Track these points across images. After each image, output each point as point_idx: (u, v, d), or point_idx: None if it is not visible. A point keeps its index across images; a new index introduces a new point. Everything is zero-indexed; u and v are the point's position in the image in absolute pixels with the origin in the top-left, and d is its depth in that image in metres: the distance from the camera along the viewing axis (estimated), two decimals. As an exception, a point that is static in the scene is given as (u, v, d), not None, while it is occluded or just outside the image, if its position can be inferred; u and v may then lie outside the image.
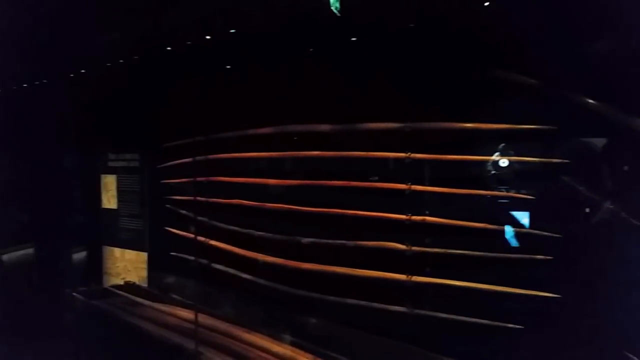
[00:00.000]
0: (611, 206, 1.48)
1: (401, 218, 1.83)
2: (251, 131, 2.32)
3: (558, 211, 1.55)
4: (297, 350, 1.82)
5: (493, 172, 1.67)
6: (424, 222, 1.79)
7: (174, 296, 2.62)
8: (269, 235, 2.20)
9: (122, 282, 3.10)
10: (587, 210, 1.51)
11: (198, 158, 2.57)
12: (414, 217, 1.81)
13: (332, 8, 1.82)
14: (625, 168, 1.47)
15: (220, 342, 1.92)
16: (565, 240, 1.53)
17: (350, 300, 1.94)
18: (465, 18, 1.70)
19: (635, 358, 1.41)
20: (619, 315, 1.47)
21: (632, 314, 1.44)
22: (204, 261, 2.48)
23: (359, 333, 1.90)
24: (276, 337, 1.95)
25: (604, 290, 1.51)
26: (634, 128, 1.43)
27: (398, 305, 1.82)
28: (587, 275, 1.52)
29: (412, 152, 1.81)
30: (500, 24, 1.64)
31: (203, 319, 2.17)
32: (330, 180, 2.02)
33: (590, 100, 1.50)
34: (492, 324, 1.62)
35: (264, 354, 1.82)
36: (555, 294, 1.53)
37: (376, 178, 1.91)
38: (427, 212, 1.80)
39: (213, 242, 2.45)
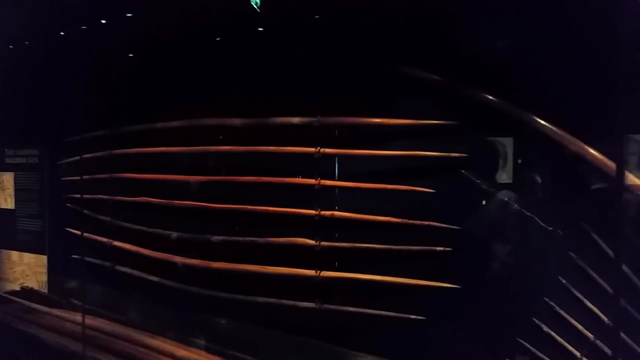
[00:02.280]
0: (507, 199, 1.56)
1: (311, 213, 1.83)
2: (159, 124, 2.21)
3: (457, 204, 1.62)
4: (203, 353, 1.75)
5: (397, 166, 1.71)
6: (332, 217, 1.80)
7: (75, 302, 2.44)
8: (177, 234, 2.11)
9: (19, 288, 2.86)
10: (484, 202, 1.58)
11: (102, 153, 2.42)
12: (323, 212, 1.82)
13: (252, 3, 1.79)
14: (519, 161, 1.55)
15: (121, 349, 1.81)
16: (464, 232, 1.60)
17: (260, 299, 1.91)
18: (373, 14, 1.73)
19: (526, 344, 1.50)
20: (515, 304, 1.56)
21: (528, 302, 1.53)
22: (108, 263, 2.34)
23: (269, 331, 1.86)
24: (182, 340, 1.87)
25: (501, 280, 1.60)
26: (530, 125, 1.51)
27: (307, 301, 1.82)
28: (485, 265, 1.60)
29: (322, 147, 1.82)
30: (407, 20, 1.68)
31: (105, 324, 2.03)
32: (241, 175, 1.97)
33: (490, 97, 1.57)
34: (396, 315, 1.66)
35: (167, 359, 1.73)
36: (455, 284, 1.60)
37: (299, 176, 1.89)
38: (336, 207, 1.81)
39: (117, 243, 2.32)
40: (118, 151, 2.35)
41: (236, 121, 1.99)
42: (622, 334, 1.37)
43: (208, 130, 2.05)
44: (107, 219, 2.37)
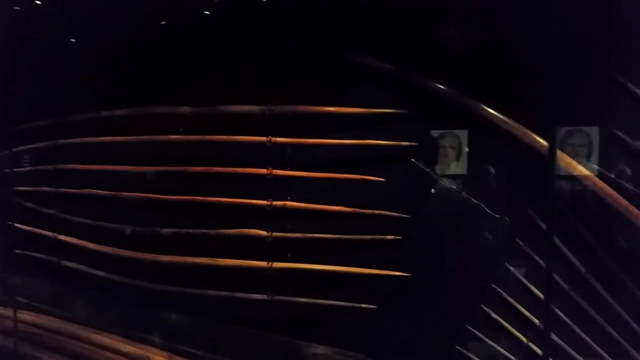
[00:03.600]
0: (456, 187, 1.57)
1: (262, 204, 1.79)
2: (104, 113, 2.12)
3: (408, 193, 1.61)
4: (151, 349, 1.70)
5: (349, 155, 1.70)
6: (284, 208, 1.77)
7: (19, 299, 2.33)
8: (125, 227, 2.03)
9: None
10: (433, 191, 1.58)
11: (45, 144, 2.29)
12: (275, 203, 1.78)
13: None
14: (466, 149, 1.56)
15: (65, 346, 1.73)
16: (414, 220, 1.61)
17: (211, 292, 1.87)
18: (325, 1, 1.70)
19: (475, 331, 1.52)
20: (464, 291, 1.57)
21: (476, 289, 1.55)
22: (53, 258, 2.24)
23: (221, 325, 1.82)
24: (131, 336, 1.80)
25: (450, 267, 1.61)
26: (478, 114, 1.52)
27: (259, 293, 1.79)
28: (434, 253, 1.61)
29: (273, 136, 1.78)
30: (359, 8, 1.65)
31: (49, 321, 1.94)
32: (190, 165, 1.91)
33: (440, 86, 1.58)
34: (348, 305, 1.66)
35: (113, 355, 1.67)
36: (406, 272, 1.61)
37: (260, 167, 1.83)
38: (288, 197, 1.78)
39: (63, 237, 2.22)
40: (62, 141, 2.24)
41: (185, 110, 1.93)
42: (565, 319, 1.42)
43: (156, 119, 1.98)
44: (52, 211, 2.26)
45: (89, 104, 2.15)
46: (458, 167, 1.58)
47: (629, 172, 1.38)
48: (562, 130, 1.44)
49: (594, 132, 1.43)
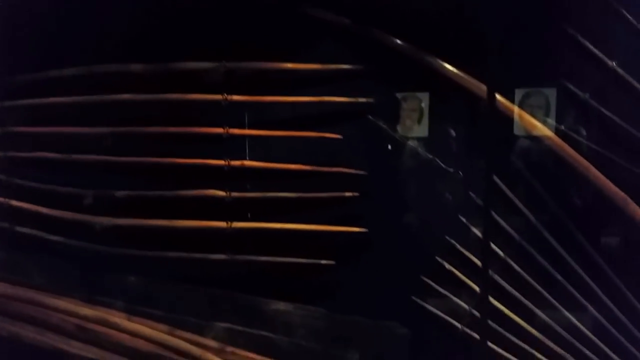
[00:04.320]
0: (412, 144, 1.57)
1: (219, 164, 1.77)
2: (53, 73, 2.02)
3: (365, 150, 1.61)
4: (109, 311, 1.69)
5: (306, 113, 1.68)
6: (242, 167, 1.75)
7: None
8: (78, 190, 1.98)
9: None
10: (390, 147, 1.59)
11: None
12: (232, 162, 1.76)
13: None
14: (423, 105, 1.55)
15: (20, 310, 1.70)
16: (371, 177, 1.61)
17: (170, 254, 1.85)
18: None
19: (431, 282, 1.56)
20: (420, 244, 1.60)
21: (430, 242, 1.58)
22: (6, 224, 2.16)
23: (181, 286, 1.81)
24: (88, 299, 1.79)
25: (407, 222, 1.64)
26: (435, 69, 1.51)
27: (219, 253, 1.78)
28: (390, 208, 1.63)
29: (229, 94, 1.74)
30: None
31: (5, 288, 1.90)
32: (143, 126, 1.86)
33: (397, 41, 1.55)
34: (306, 262, 1.67)
35: (70, 318, 1.66)
36: (363, 228, 1.62)
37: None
38: (245, 157, 1.76)
39: (15, 203, 2.14)
40: (9, 103, 2.14)
41: (136, 67, 1.86)
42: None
43: (106, 78, 1.90)
44: (2, 177, 2.17)
45: (36, 63, 2.06)
46: (419, 130, 1.58)
47: (585, 132, 1.41)
48: (520, 92, 1.46)
49: (551, 93, 1.45)
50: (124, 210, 1.90)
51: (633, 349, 1.34)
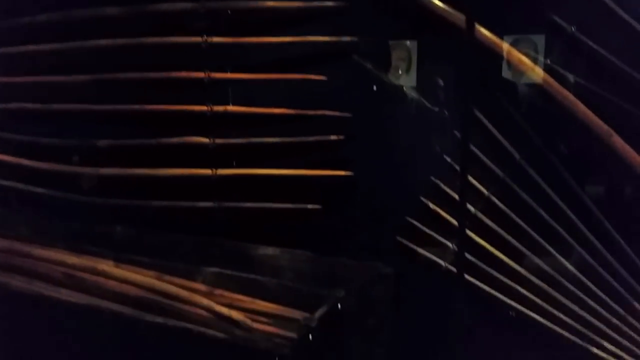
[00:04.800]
0: (397, 83, 1.54)
1: (202, 110, 1.73)
2: (26, 19, 1.93)
3: (348, 90, 1.58)
4: (97, 259, 1.69)
5: (288, 54, 1.63)
6: (225, 113, 1.71)
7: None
8: (59, 141, 1.94)
9: None
10: (375, 88, 1.56)
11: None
12: (215, 108, 1.72)
13: None
14: (408, 43, 1.52)
15: (6, 261, 1.70)
16: (356, 120, 1.59)
17: (155, 202, 1.84)
18: None
19: (415, 222, 1.57)
20: (405, 185, 1.60)
21: (416, 183, 1.58)
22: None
23: (167, 234, 1.81)
24: (75, 249, 1.78)
25: (393, 163, 1.63)
26: (424, 5, 1.47)
27: (205, 201, 1.77)
28: (376, 150, 1.61)
29: (209, 36, 1.68)
30: None
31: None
32: (123, 72, 1.80)
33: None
34: (293, 207, 1.68)
35: (58, 267, 1.66)
36: (348, 171, 1.62)
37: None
38: (229, 102, 1.72)
39: (-3, 156, 2.11)
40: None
41: (112, 11, 1.78)
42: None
43: (82, 23, 1.83)
44: (-20, 130, 2.13)
45: (8, 9, 1.98)
46: (407, 79, 1.54)
47: (573, 74, 1.38)
48: (508, 39, 1.42)
49: (539, 39, 1.41)
50: (107, 160, 1.88)
51: (616, 284, 1.37)
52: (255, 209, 1.71)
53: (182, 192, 1.78)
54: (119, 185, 1.87)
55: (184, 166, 1.77)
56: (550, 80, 1.35)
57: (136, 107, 1.79)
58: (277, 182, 1.70)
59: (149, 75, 1.76)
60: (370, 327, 1.55)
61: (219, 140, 1.72)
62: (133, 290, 1.57)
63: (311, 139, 1.62)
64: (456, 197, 1.51)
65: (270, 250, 1.71)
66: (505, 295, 1.45)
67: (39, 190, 2.01)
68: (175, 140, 1.77)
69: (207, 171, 1.74)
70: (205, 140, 1.73)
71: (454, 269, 1.49)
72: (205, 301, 1.49)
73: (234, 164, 1.74)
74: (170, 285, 1.56)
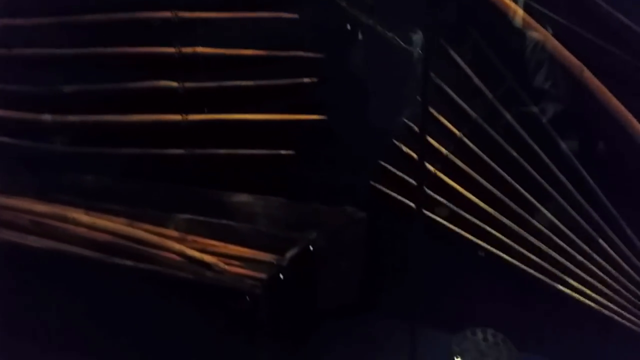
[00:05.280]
0: (370, 22, 1.49)
1: (170, 52, 1.66)
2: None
3: (321, 30, 1.53)
4: (66, 207, 1.66)
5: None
6: (194, 54, 1.65)
7: None
8: (23, 87, 1.85)
9: None
10: (349, 27, 1.51)
11: None
12: (184, 49, 1.65)
13: None
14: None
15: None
16: (329, 61, 1.55)
17: (124, 150, 1.79)
18: None
19: (388, 166, 1.55)
20: (378, 127, 1.57)
21: (389, 124, 1.56)
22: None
23: (140, 182, 1.77)
24: (44, 198, 1.74)
25: (366, 105, 1.60)
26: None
27: (175, 148, 1.72)
28: (349, 92, 1.58)
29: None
30: None
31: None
32: (87, 14, 1.72)
33: None
34: (265, 152, 1.64)
35: (27, 215, 1.62)
36: (322, 115, 1.59)
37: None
38: (198, 43, 1.66)
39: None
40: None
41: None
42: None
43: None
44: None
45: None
46: (382, 19, 1.48)
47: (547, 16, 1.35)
48: None
49: None
50: (73, 106, 1.81)
51: (582, 221, 1.38)
52: (227, 155, 1.68)
53: (152, 138, 1.73)
54: (87, 132, 1.81)
55: (153, 112, 1.71)
56: (524, 15, 1.33)
57: (101, 50, 1.71)
58: (249, 128, 1.67)
59: (114, 17, 1.68)
60: (343, 270, 1.56)
61: (188, 84, 1.66)
62: (103, 237, 1.54)
63: (284, 82, 1.58)
64: (431, 140, 1.50)
65: (244, 197, 1.69)
66: (475, 236, 1.47)
67: (6, 139, 1.94)
68: (143, 84, 1.70)
69: (177, 117, 1.69)
70: (174, 84, 1.67)
71: (427, 212, 1.50)
72: (176, 246, 1.47)
73: (205, 109, 1.70)
74: (141, 231, 1.54)
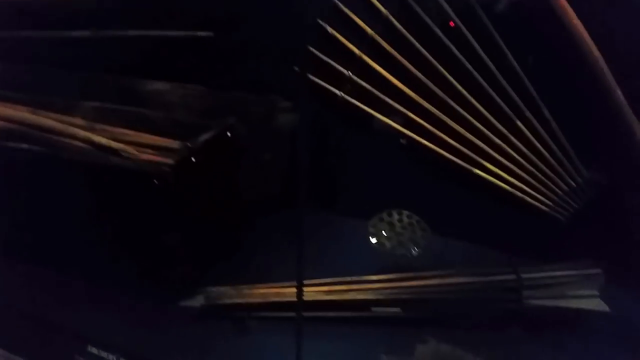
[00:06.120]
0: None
1: None
2: None
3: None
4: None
5: None
6: None
7: None
8: None
9: None
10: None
11: None
12: None
13: None
14: None
15: None
16: None
17: (26, 33, 1.60)
18: None
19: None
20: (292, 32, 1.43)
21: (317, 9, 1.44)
22: None
23: (44, 69, 1.59)
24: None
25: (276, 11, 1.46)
26: None
27: (82, 30, 1.56)
28: None
29: None
30: None
31: None
32: None
33: None
34: (183, 34, 1.50)
35: None
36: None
37: None
38: None
39: None
40: None
41: None
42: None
43: None
44: None
45: None
46: None
47: None
48: None
49: None
50: None
51: (500, 101, 1.36)
52: (140, 37, 1.54)
53: (55, 19, 1.57)
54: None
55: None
56: None
57: None
58: (164, 7, 1.52)
59: None
60: (267, 160, 1.51)
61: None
62: (3, 125, 1.42)
63: None
64: (357, 20, 1.41)
65: (160, 85, 1.57)
66: (397, 123, 1.43)
67: None
68: None
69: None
70: None
71: (350, 99, 1.44)
72: (82, 133, 1.37)
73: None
74: (44, 119, 1.42)
